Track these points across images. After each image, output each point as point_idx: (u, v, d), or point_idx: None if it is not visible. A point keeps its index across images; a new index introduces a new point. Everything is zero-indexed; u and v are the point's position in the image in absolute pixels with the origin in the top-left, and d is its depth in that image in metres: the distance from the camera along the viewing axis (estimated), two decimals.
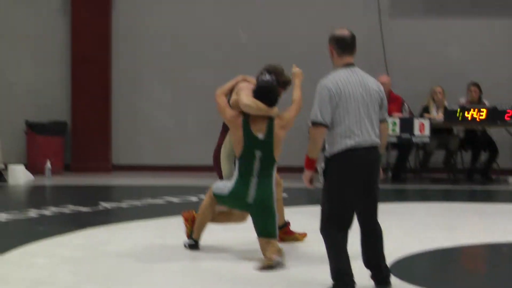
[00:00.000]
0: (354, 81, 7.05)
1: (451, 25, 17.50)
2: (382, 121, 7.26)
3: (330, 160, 6.98)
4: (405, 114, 16.06)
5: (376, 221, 7.42)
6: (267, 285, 7.76)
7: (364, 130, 6.97)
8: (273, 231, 8.58)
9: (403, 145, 16.11)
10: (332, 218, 7.02)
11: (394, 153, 16.35)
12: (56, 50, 17.70)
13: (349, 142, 6.91)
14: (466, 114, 15.72)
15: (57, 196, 14.69)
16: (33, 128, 17.23)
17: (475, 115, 15.72)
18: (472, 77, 16.60)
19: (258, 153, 8.67)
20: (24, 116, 17.25)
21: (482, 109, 15.72)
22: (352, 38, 7.20)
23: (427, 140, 15.80)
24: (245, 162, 8.74)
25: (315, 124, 6.93)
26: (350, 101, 6.93)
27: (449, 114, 15.87)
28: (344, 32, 7.22)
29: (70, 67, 17.65)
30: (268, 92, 8.75)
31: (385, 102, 7.26)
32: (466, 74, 16.77)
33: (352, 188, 7.02)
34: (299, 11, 17.38)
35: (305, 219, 10.19)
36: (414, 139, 15.75)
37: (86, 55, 17.46)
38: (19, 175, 15.81)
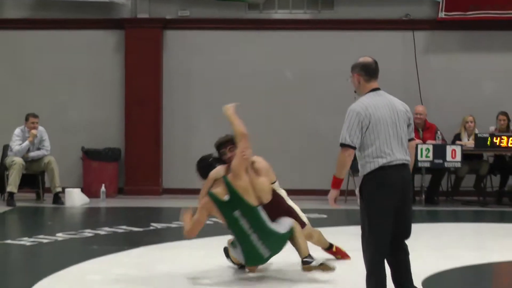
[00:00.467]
0: (382, 103, 6.99)
1: (483, 60, 17.49)
2: (410, 139, 7.17)
3: (365, 180, 6.89)
4: (438, 141, 16.04)
5: (405, 242, 7.26)
6: None
7: (395, 149, 6.90)
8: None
9: (436, 170, 16.08)
10: (372, 241, 6.90)
11: (427, 177, 16.28)
12: (111, 85, 17.82)
13: (382, 161, 6.83)
14: (495, 141, 15.75)
15: (111, 217, 14.76)
16: (89, 155, 17.34)
17: (504, 142, 15.75)
18: (501, 107, 16.58)
19: (237, 213, 8.61)
20: (81, 144, 17.38)
21: (510, 137, 15.78)
22: (376, 64, 7.18)
23: (458, 165, 15.76)
24: (234, 228, 8.71)
25: (343, 146, 6.84)
26: (380, 124, 6.85)
27: (479, 141, 15.86)
28: (368, 59, 7.20)
29: (124, 100, 17.75)
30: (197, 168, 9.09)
31: (412, 121, 7.19)
32: (496, 105, 16.74)
33: (389, 203, 6.86)
34: (342, 48, 17.37)
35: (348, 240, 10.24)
36: (446, 164, 15.72)
37: (139, 90, 17.56)
38: (76, 198, 15.90)
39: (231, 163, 8.78)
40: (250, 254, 8.63)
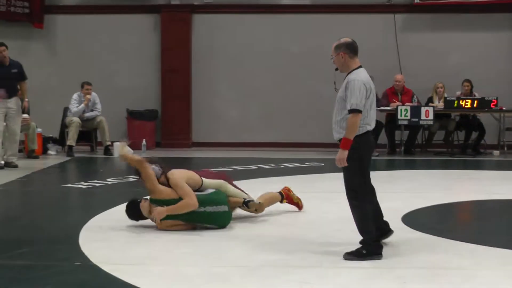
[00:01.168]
0: (369, 79, 6.72)
1: (450, 37, 17.39)
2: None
3: (355, 141, 6.51)
4: (415, 103, 15.98)
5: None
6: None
7: (374, 118, 6.76)
8: None
9: (412, 127, 16.03)
10: (361, 188, 6.66)
11: (406, 133, 16.22)
12: (150, 58, 17.77)
13: (368, 127, 6.63)
14: (461, 103, 15.70)
15: None
16: (132, 115, 17.33)
17: (468, 104, 15.69)
18: (465, 75, 16.49)
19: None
20: (126, 106, 17.38)
21: (473, 100, 15.73)
22: (356, 42, 6.88)
23: (431, 123, 15.73)
24: (194, 218, 7.74)
25: (356, 111, 6.46)
26: (373, 96, 6.65)
27: (448, 103, 15.79)
28: (348, 39, 6.86)
29: (160, 70, 17.71)
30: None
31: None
32: (461, 74, 16.64)
33: (368, 159, 6.76)
34: (337, 29, 17.23)
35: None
36: (421, 122, 15.67)
37: (172, 62, 17.50)
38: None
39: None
40: (219, 218, 7.82)
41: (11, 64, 13.45)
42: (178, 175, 7.86)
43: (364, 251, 6.54)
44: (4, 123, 13.48)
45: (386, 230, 7.07)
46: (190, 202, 7.57)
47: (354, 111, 6.49)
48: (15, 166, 13.38)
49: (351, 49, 6.76)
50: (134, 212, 7.87)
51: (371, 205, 6.78)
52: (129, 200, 7.98)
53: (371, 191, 6.88)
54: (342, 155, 6.51)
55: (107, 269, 6.16)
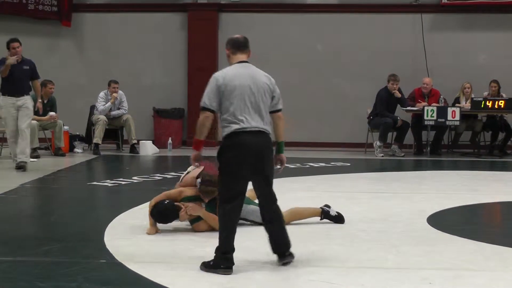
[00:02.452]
0: (243, 74, 6.21)
1: (478, 37, 17.32)
2: (276, 111, 6.34)
3: (222, 142, 6.21)
4: (441, 104, 15.91)
5: (273, 209, 6.30)
6: None
7: (250, 117, 6.11)
8: None
9: (439, 127, 15.97)
10: (223, 194, 6.16)
11: (432, 133, 16.15)
12: (177, 56, 17.84)
13: (235, 126, 6.09)
14: (488, 103, 15.62)
15: (176, 164, 14.79)
16: (158, 113, 17.38)
17: (495, 105, 15.60)
18: (493, 76, 16.40)
19: None
20: (152, 104, 17.43)
21: (500, 100, 15.64)
22: (244, 39, 6.50)
23: (457, 123, 15.69)
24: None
25: (202, 109, 6.19)
26: (235, 91, 6.12)
27: (475, 104, 15.73)
28: (237, 35, 6.57)
29: (187, 69, 17.77)
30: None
31: (277, 94, 6.35)
32: (488, 74, 16.55)
33: (240, 166, 6.08)
34: (363, 28, 17.27)
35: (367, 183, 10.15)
36: (447, 123, 15.64)
37: (199, 61, 17.52)
38: (148, 148, 15.96)
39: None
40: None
41: (23, 61, 12.84)
42: None
43: (211, 262, 6.13)
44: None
45: (280, 253, 6.34)
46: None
47: (201, 109, 6.24)
48: (22, 167, 12.62)
49: (232, 44, 6.46)
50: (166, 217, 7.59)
51: (233, 215, 6.16)
52: (162, 206, 7.59)
53: (266, 216, 6.33)
54: (193, 155, 6.32)
55: (132, 267, 6.18)
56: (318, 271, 6.11)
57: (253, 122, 6.14)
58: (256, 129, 6.13)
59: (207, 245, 6.97)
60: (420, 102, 16.04)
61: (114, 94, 16.12)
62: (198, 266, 6.18)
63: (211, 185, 7.35)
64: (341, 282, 5.82)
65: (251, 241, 7.13)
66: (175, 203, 7.57)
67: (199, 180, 7.60)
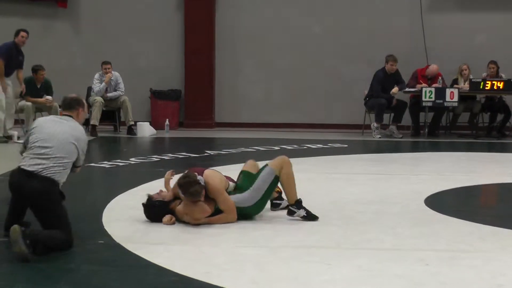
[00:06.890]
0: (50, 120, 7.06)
1: (476, 18, 17.29)
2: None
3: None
4: (439, 85, 15.92)
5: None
6: None
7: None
8: None
9: (437, 108, 15.96)
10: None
11: (430, 114, 16.17)
12: (173, 37, 17.81)
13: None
14: (486, 84, 15.63)
15: (173, 146, 14.83)
16: (155, 95, 17.40)
17: (494, 86, 15.61)
18: (491, 57, 16.38)
19: None
20: (149, 86, 17.44)
21: (499, 81, 15.62)
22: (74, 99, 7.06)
23: (455, 104, 15.69)
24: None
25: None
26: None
27: (473, 85, 15.74)
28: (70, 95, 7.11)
29: (184, 50, 17.74)
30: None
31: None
32: (487, 55, 16.54)
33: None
34: (359, 8, 17.26)
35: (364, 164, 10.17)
36: (446, 104, 15.64)
37: (196, 42, 17.54)
38: (145, 130, 15.99)
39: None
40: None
41: (20, 52, 14.59)
42: (217, 183, 7.35)
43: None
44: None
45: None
46: (232, 219, 7.23)
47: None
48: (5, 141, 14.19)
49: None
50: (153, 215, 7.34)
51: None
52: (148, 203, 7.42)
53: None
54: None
55: (130, 248, 6.24)
56: (315, 252, 6.18)
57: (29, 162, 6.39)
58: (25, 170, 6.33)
59: (204, 227, 7.03)
60: (420, 83, 16.01)
61: (109, 75, 16.15)
62: (197, 247, 6.25)
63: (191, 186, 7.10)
64: (337, 263, 5.88)
65: (246, 224, 7.19)
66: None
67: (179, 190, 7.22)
